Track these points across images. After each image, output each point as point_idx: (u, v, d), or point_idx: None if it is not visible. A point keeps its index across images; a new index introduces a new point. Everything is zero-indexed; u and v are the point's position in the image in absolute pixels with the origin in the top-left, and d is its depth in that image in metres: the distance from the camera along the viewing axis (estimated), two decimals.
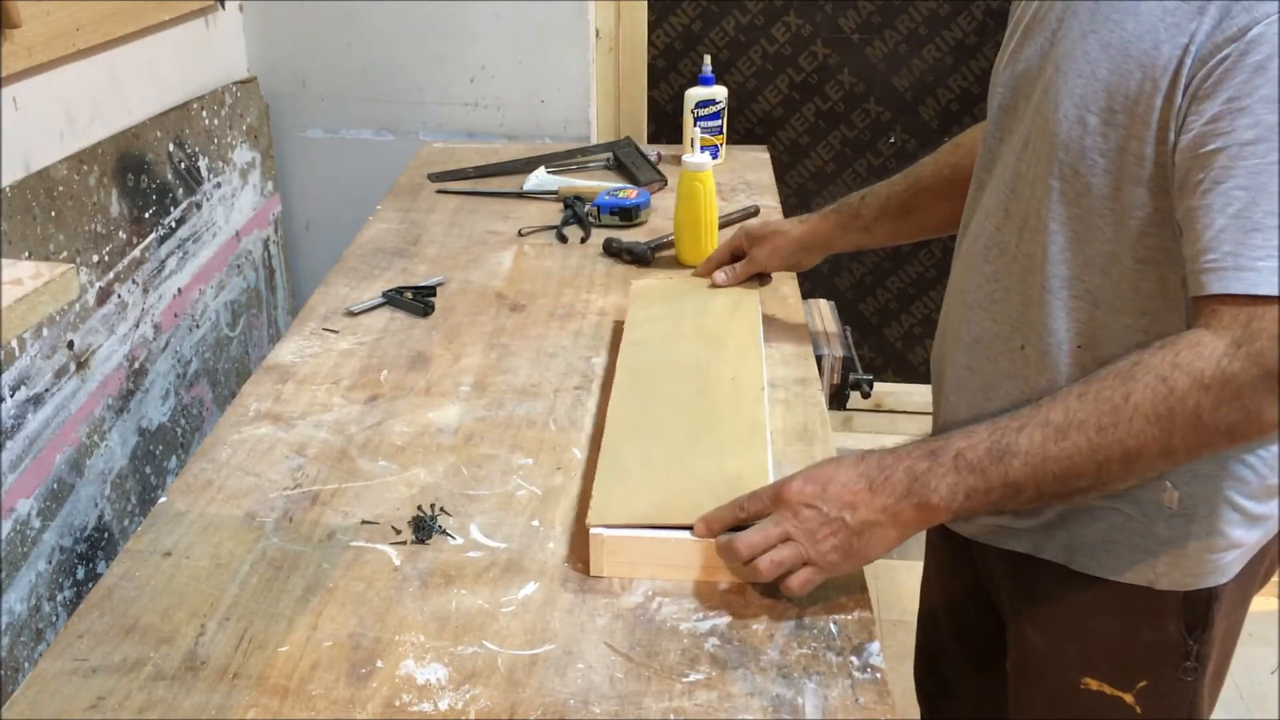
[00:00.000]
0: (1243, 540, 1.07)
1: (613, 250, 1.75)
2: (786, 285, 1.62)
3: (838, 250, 1.50)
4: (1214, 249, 0.87)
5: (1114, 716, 1.13)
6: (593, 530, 1.03)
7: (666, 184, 2.02)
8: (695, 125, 2.09)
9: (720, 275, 1.54)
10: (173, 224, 1.95)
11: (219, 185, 2.12)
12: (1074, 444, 0.90)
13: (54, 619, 1.59)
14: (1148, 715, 1.12)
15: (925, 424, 2.44)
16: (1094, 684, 1.12)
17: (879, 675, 0.93)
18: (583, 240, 1.82)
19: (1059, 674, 1.15)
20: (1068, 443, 0.90)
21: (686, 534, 1.03)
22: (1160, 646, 1.10)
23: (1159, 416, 0.88)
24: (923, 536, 1.46)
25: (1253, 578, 1.14)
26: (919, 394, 2.59)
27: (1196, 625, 1.09)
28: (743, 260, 1.54)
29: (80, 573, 1.65)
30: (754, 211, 1.90)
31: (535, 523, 1.12)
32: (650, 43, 2.41)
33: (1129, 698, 1.11)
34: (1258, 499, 1.07)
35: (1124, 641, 1.11)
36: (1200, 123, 0.89)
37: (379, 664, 0.94)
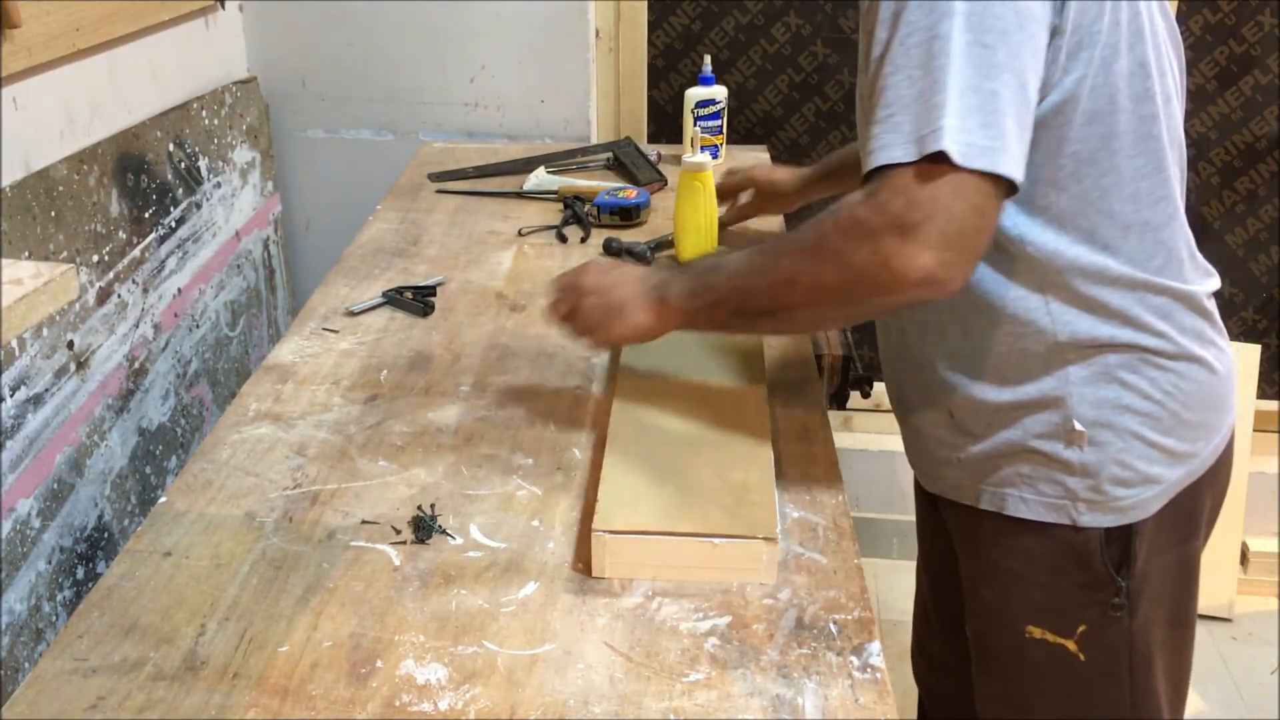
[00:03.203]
0: (1161, 477, 1.13)
1: (612, 250, 1.75)
2: None
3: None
4: (864, 145, 1.00)
5: (1060, 664, 1.17)
6: (595, 531, 1.03)
7: (666, 184, 2.02)
8: (695, 125, 2.09)
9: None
10: (173, 224, 1.95)
11: (219, 185, 2.12)
12: (754, 265, 1.08)
13: (54, 619, 1.59)
14: (1090, 661, 1.16)
15: None
16: (1038, 632, 1.17)
17: (879, 675, 0.93)
18: (583, 240, 1.82)
19: (1006, 625, 1.20)
20: (752, 264, 1.08)
21: (687, 535, 1.03)
22: (1090, 587, 1.15)
23: (809, 251, 1.02)
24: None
25: (1185, 519, 1.17)
26: None
27: (1122, 563, 1.14)
28: (750, 204, 1.76)
29: (80, 573, 1.65)
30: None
31: (535, 523, 1.12)
32: (650, 43, 2.41)
33: (1071, 645, 1.16)
34: (1174, 435, 1.12)
35: (1057, 585, 1.16)
36: (861, 57, 1.04)
37: (379, 664, 0.94)
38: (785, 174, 1.72)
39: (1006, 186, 0.96)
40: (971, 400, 1.15)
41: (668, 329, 1.16)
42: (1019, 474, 1.14)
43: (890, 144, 0.96)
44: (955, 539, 1.27)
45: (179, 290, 1.98)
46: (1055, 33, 0.98)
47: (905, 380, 1.23)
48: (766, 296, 1.07)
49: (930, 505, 1.34)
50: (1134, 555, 1.14)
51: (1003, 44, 0.95)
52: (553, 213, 1.93)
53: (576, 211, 1.88)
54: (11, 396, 1.51)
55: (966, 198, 0.95)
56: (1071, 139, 1.03)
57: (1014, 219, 1.05)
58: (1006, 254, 1.07)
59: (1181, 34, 1.16)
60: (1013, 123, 0.95)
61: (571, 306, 1.21)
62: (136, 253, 1.83)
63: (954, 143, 0.93)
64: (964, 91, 0.94)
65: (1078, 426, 1.10)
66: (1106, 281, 1.07)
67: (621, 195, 1.87)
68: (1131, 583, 1.14)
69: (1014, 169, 0.95)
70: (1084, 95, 1.02)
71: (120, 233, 1.78)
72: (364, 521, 1.13)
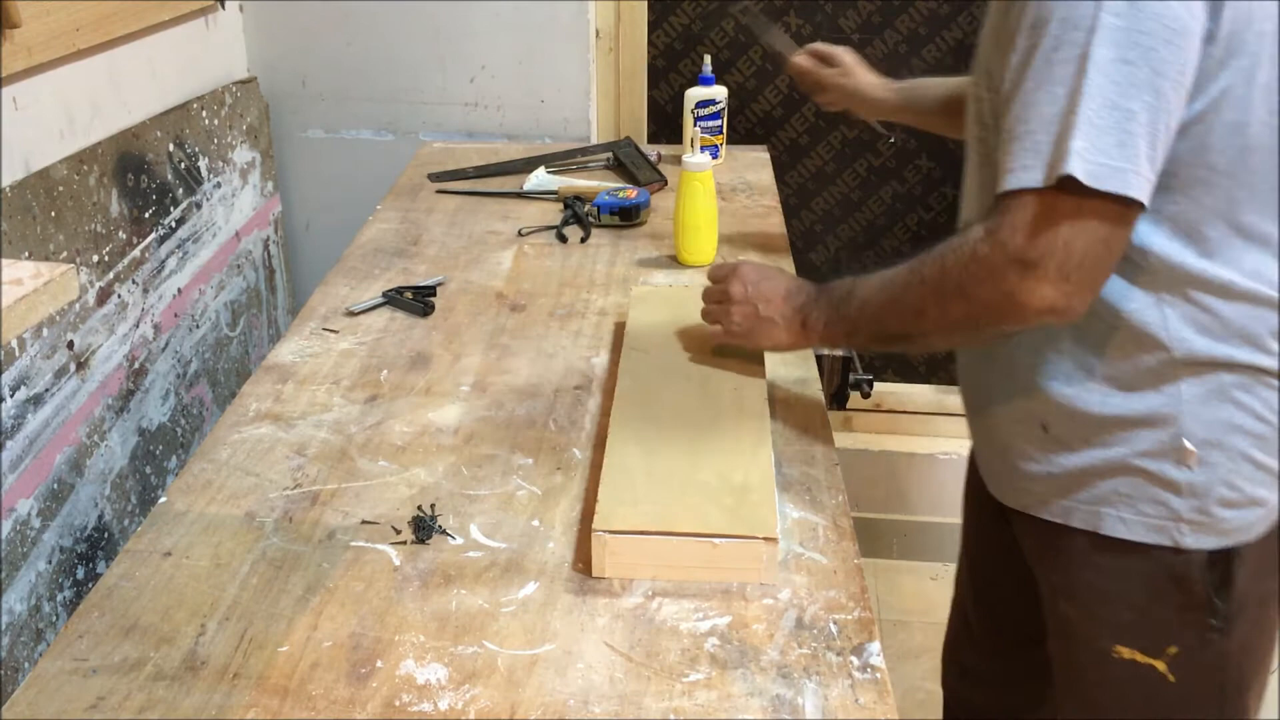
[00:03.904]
0: (1266, 500, 1.09)
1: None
2: None
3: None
4: (999, 162, 1.01)
5: (1147, 685, 1.14)
6: (595, 531, 1.03)
7: (666, 184, 2.02)
8: (695, 125, 2.09)
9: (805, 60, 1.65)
10: (173, 224, 1.95)
11: (219, 185, 2.12)
12: (887, 296, 1.12)
13: (54, 619, 1.59)
14: (1180, 682, 1.13)
15: (926, 424, 2.45)
16: (1126, 652, 1.14)
17: (879, 675, 0.93)
18: (583, 240, 1.82)
19: (1091, 644, 1.17)
20: (884, 295, 1.12)
21: (687, 535, 1.03)
22: (1186, 609, 1.11)
23: (934, 285, 1.06)
24: (936, 538, 1.47)
25: None
26: (919, 394, 2.59)
27: (1221, 585, 1.10)
28: (830, 72, 1.65)
29: (80, 573, 1.65)
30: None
31: (535, 523, 1.12)
32: (650, 43, 2.41)
33: (1161, 665, 1.13)
34: None
35: (1151, 606, 1.12)
36: (1001, 66, 1.03)
37: (379, 664, 0.94)
38: (877, 81, 1.63)
39: (1138, 208, 0.95)
40: (1072, 412, 1.11)
41: (806, 347, 1.26)
42: (1117, 492, 1.10)
43: (1025, 165, 0.97)
44: (1032, 554, 1.23)
45: (179, 290, 1.98)
46: (1208, 39, 0.96)
47: (991, 386, 1.20)
48: (898, 325, 1.11)
49: (990, 514, 1.30)
50: (1234, 578, 1.10)
51: (1146, 61, 0.93)
52: (553, 213, 1.93)
53: (576, 211, 1.88)
54: (11, 396, 1.51)
55: (1091, 229, 0.95)
56: (1210, 148, 1.00)
57: (1140, 227, 1.03)
58: (1129, 261, 1.04)
59: None
60: (1146, 143, 0.94)
61: (719, 305, 1.29)
62: (136, 253, 1.83)
63: (1082, 165, 0.93)
64: (1100, 110, 0.93)
65: (1188, 445, 1.07)
66: (1230, 296, 1.04)
67: (621, 195, 1.87)
68: (1230, 606, 1.10)
69: (1144, 191, 0.94)
70: (1226, 105, 0.99)
71: (120, 233, 1.78)
72: (364, 521, 1.13)
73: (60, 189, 1.62)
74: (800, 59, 1.63)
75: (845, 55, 1.63)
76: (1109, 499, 1.11)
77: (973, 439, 1.29)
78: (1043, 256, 0.96)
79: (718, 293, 1.30)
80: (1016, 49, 0.98)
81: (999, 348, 1.16)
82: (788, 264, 1.72)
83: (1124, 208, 0.95)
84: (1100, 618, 1.15)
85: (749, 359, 1.34)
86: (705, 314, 1.32)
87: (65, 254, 1.63)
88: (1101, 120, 0.93)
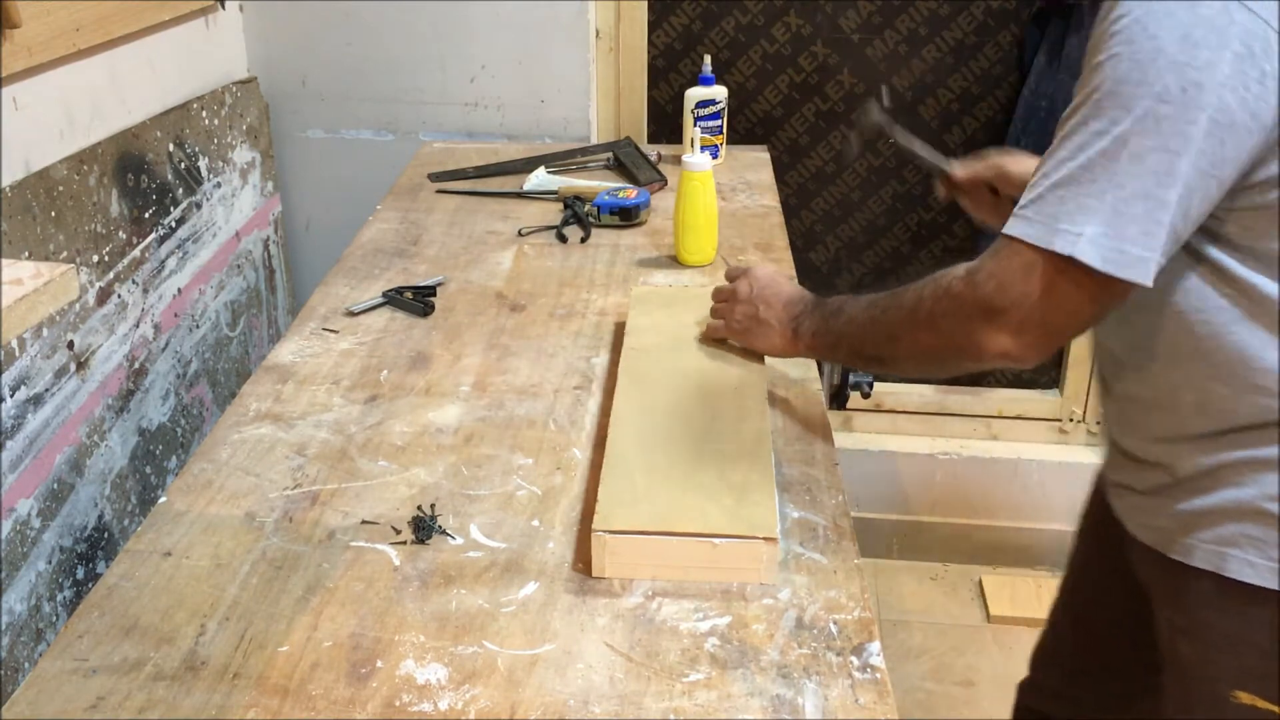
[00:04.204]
0: None
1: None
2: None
3: None
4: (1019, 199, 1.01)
5: None
6: (595, 531, 1.03)
7: (666, 184, 2.02)
8: (695, 125, 2.09)
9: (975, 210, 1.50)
10: (173, 224, 1.95)
11: (219, 185, 2.12)
12: (869, 317, 1.17)
13: (54, 619, 1.59)
14: None
15: (926, 424, 2.45)
16: (1246, 698, 1.11)
17: (879, 675, 0.93)
18: (583, 240, 1.82)
19: (1209, 686, 1.13)
20: (866, 315, 1.17)
21: (687, 535, 1.03)
22: None
23: (910, 313, 1.10)
24: (936, 538, 1.46)
25: None
26: (919, 394, 2.59)
27: None
28: (996, 170, 1.47)
29: (80, 573, 1.65)
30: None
31: (535, 523, 1.12)
32: (650, 43, 2.41)
33: None
34: None
35: (1276, 651, 1.08)
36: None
37: (379, 664, 0.94)
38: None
39: (1131, 287, 0.95)
40: (1199, 455, 1.08)
41: (796, 355, 1.31)
42: (1245, 535, 1.06)
43: (1028, 217, 0.97)
44: (1153, 589, 1.20)
45: (179, 290, 1.98)
46: None
47: (1121, 426, 1.17)
48: (874, 346, 1.16)
49: (1106, 538, 1.27)
50: None
51: (1188, 150, 0.91)
52: (553, 213, 1.93)
53: (576, 211, 1.88)
54: (11, 396, 1.51)
55: (1067, 297, 0.96)
56: None
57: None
58: (1270, 313, 1.00)
59: None
60: (1167, 232, 0.93)
61: (724, 304, 1.36)
62: (136, 253, 1.83)
63: (1094, 250, 0.93)
64: (1131, 199, 0.92)
65: None
66: None
67: (621, 195, 1.87)
68: None
69: (1152, 278, 0.94)
70: None
71: (120, 233, 1.78)
72: (364, 521, 1.13)
73: (60, 189, 1.62)
74: (959, 170, 1.49)
75: (990, 154, 1.51)
76: (1236, 540, 1.07)
77: (1105, 458, 1.25)
78: (1008, 308, 0.99)
79: (727, 291, 1.36)
80: (1074, 104, 0.96)
81: (1128, 386, 1.13)
82: (788, 264, 1.72)
83: (1112, 289, 0.95)
84: (1220, 661, 1.12)
85: (749, 358, 1.34)
86: (713, 311, 1.39)
87: (65, 254, 1.63)
88: (1131, 209, 0.92)
